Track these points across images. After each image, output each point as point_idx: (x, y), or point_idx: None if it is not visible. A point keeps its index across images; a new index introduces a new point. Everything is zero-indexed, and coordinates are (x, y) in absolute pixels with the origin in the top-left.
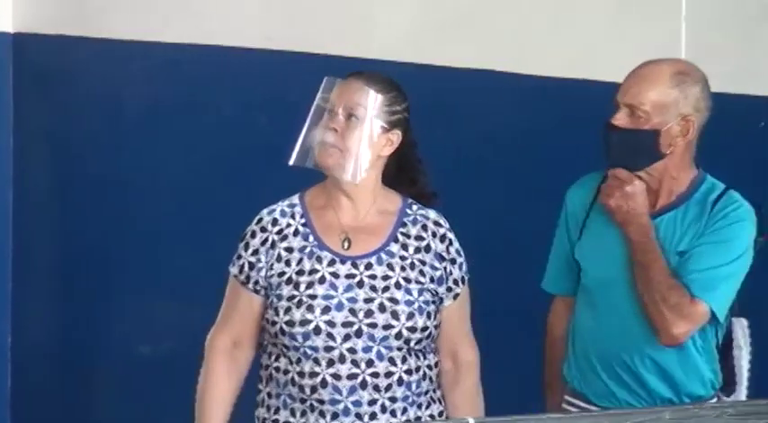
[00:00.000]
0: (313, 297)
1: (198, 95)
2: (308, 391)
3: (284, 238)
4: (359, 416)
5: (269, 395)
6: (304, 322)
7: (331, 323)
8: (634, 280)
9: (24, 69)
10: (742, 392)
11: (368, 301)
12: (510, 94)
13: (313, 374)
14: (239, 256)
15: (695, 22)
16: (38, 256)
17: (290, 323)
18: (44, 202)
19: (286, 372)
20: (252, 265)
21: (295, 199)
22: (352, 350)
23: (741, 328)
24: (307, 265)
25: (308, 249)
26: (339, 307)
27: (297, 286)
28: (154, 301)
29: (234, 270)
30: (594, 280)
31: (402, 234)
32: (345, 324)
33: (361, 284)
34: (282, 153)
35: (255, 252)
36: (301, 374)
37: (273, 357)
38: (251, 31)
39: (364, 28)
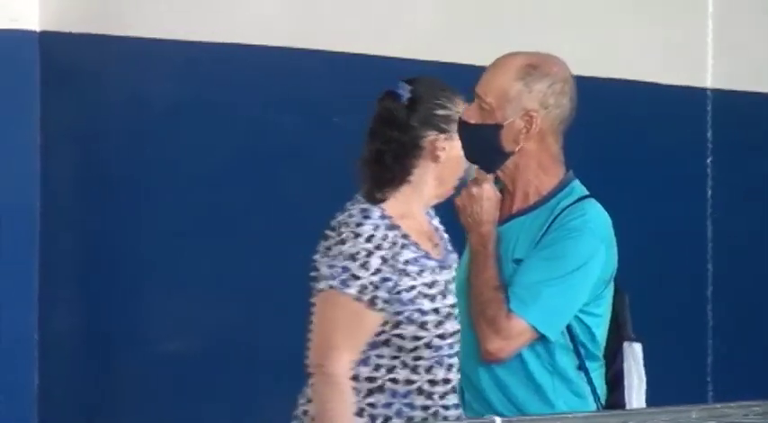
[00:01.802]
0: (453, 307)
1: (222, 94)
2: (436, 397)
3: (398, 252)
4: None
5: (371, 405)
6: (455, 333)
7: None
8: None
9: (50, 68)
10: None
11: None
12: None
13: (446, 381)
14: (356, 277)
15: (721, 18)
16: (64, 253)
17: (443, 336)
18: (70, 198)
19: (409, 381)
20: (376, 285)
21: (374, 211)
22: None
23: (632, 355)
24: (428, 277)
25: (420, 260)
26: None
27: (433, 298)
28: (177, 298)
29: (352, 291)
30: (456, 288)
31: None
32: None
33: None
34: (305, 152)
35: (378, 271)
36: (433, 382)
37: (385, 369)
38: (275, 30)
39: (388, 26)
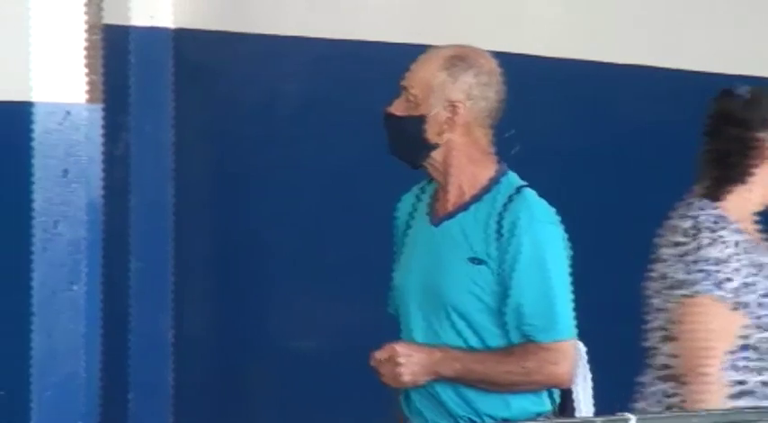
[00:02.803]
0: None
1: (351, 90)
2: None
3: (752, 255)
4: None
5: None
6: None
7: None
8: (426, 291)
9: (184, 65)
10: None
11: None
12: (659, 88)
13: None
14: (725, 281)
15: None
16: (198, 251)
17: None
18: (204, 196)
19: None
20: (740, 289)
21: (724, 215)
22: None
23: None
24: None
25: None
26: None
27: None
28: (311, 296)
29: (723, 295)
30: (399, 295)
31: None
32: None
33: None
34: None
35: (741, 275)
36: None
37: (755, 372)
38: (402, 27)
39: (516, 22)
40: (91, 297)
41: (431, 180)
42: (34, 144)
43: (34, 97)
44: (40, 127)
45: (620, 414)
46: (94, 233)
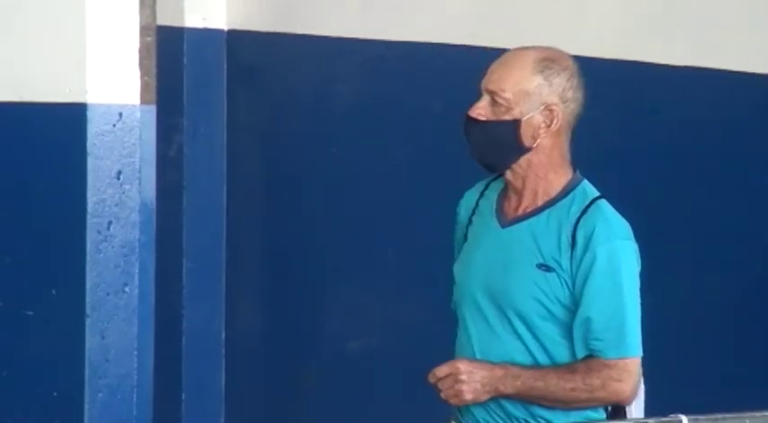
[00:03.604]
0: None
1: (403, 92)
2: None
3: None
4: None
5: None
6: None
7: None
8: (489, 292)
9: (237, 66)
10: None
11: None
12: (716, 90)
13: None
14: None
15: None
16: (250, 252)
17: None
18: (256, 197)
19: None
20: None
21: None
22: None
23: None
24: None
25: None
26: None
27: None
28: (364, 296)
29: None
30: (459, 291)
31: None
32: None
33: None
34: None
35: None
36: None
37: None
38: (456, 28)
39: (571, 24)
40: (144, 298)
41: (496, 178)
42: (88, 146)
43: (88, 99)
44: (93, 128)
45: (672, 415)
46: (148, 234)
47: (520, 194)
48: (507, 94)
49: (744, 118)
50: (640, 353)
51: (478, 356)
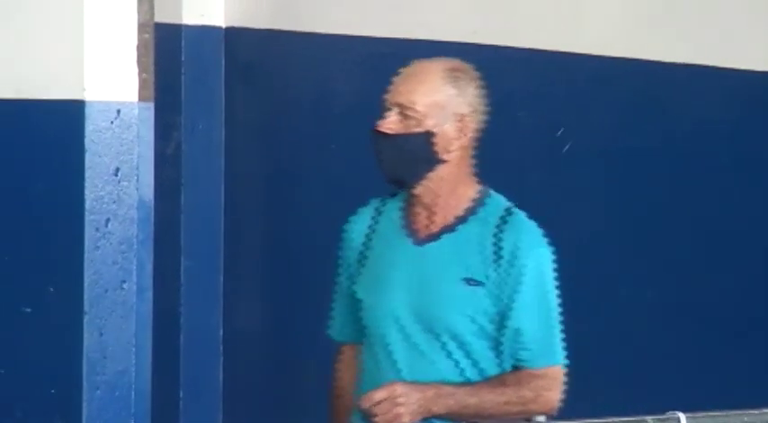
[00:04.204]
0: None
1: None
2: None
3: None
4: None
5: None
6: None
7: None
8: (416, 313)
9: (235, 64)
10: None
11: None
12: (718, 89)
13: None
14: None
15: None
16: (248, 249)
17: None
18: (255, 195)
19: None
20: None
21: None
22: None
23: None
24: None
25: None
26: None
27: None
28: None
29: None
30: (372, 314)
31: None
32: None
33: None
34: (493, 148)
35: None
36: None
37: None
38: (456, 26)
39: (572, 22)
40: (142, 295)
41: (393, 195)
42: (86, 143)
43: (86, 96)
44: (91, 125)
45: (670, 412)
46: (145, 231)
47: (429, 210)
48: (419, 107)
49: (745, 116)
50: (564, 360)
51: (408, 379)
